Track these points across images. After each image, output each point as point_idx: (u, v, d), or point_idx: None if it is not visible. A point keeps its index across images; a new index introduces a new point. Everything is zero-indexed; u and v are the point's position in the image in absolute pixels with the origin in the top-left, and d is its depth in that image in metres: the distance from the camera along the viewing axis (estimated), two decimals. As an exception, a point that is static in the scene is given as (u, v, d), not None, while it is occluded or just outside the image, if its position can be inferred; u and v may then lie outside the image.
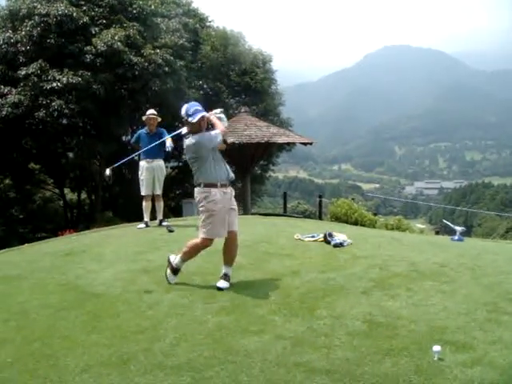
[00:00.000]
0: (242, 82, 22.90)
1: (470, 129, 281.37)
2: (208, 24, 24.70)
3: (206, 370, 3.57)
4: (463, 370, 3.50)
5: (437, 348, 3.67)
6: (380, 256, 6.79)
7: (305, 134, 23.51)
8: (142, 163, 9.97)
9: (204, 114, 5.47)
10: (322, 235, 7.98)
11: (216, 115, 5.65)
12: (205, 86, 22.72)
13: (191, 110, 5.42)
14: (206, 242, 5.56)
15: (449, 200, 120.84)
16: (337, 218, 13.17)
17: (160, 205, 10.20)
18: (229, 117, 20.76)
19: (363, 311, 4.66)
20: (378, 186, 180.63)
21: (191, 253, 5.67)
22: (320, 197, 20.13)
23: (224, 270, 5.60)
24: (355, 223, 12.84)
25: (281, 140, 19.03)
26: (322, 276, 5.83)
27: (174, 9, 21.45)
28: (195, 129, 5.45)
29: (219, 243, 5.65)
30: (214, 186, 5.41)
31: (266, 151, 21.31)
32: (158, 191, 10.06)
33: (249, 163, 20.42)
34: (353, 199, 16.43)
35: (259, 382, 3.42)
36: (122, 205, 23.83)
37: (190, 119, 5.39)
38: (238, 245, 5.72)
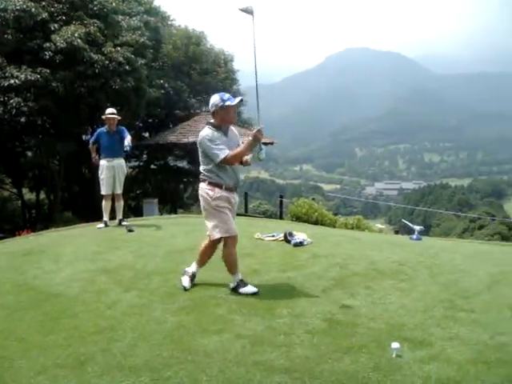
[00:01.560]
0: (204, 81, 22.84)
1: (429, 131, 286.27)
2: (170, 23, 24.58)
3: (165, 370, 3.54)
4: (421, 366, 3.56)
5: (395, 345, 3.72)
6: (340, 255, 6.84)
7: (267, 135, 23.54)
8: (103, 162, 9.83)
9: (240, 97, 5.30)
10: (282, 234, 8.00)
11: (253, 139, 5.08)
12: (166, 85, 22.53)
13: (226, 95, 5.12)
14: (230, 242, 5.33)
15: (408, 200, 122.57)
16: (297, 218, 13.21)
17: (120, 204, 10.09)
18: (189, 116, 20.85)
19: (323, 310, 4.69)
20: (338, 186, 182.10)
21: (232, 262, 5.40)
22: (281, 197, 20.18)
23: (236, 277, 5.40)
24: (316, 223, 12.89)
25: (241, 140, 19.00)
26: (282, 275, 5.85)
27: (135, 7, 21.25)
28: (222, 120, 5.15)
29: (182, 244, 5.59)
30: (219, 186, 5.15)
31: (227, 151, 21.28)
32: (119, 190, 9.94)
33: (210, 163, 20.38)
34: (313, 199, 16.52)
35: (218, 381, 3.40)
36: (81, 205, 23.51)
37: (227, 103, 5.03)
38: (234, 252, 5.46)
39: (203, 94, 24.08)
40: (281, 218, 18.09)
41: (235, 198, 5.31)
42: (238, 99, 5.20)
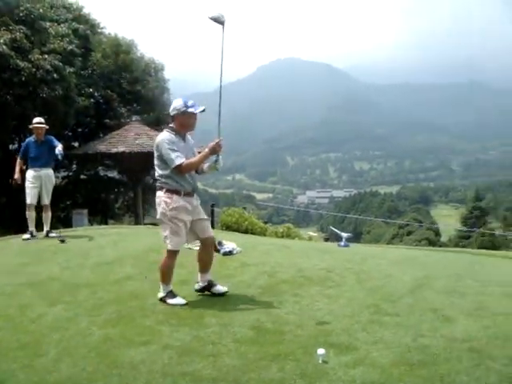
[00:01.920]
0: (134, 90, 22.56)
1: (359, 140, 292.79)
2: (99, 30, 24.15)
3: (89, 385, 3.46)
4: (346, 370, 3.60)
5: (321, 351, 3.76)
6: (269, 263, 6.88)
7: (200, 144, 23.48)
8: (30, 172, 9.60)
9: (203, 107, 5.06)
10: (211, 244, 7.99)
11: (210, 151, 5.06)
12: (95, 94, 22.15)
13: (190, 101, 5.04)
14: (172, 254, 5.24)
15: (339, 208, 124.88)
16: (228, 227, 13.24)
17: (48, 215, 9.86)
18: (120, 126, 20.58)
19: (251, 318, 4.70)
20: (271, 195, 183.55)
21: (169, 272, 5.29)
22: (212, 206, 20.13)
23: (205, 278, 5.45)
24: (246, 231, 12.97)
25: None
26: (211, 284, 5.83)
27: (63, 13, 20.78)
28: (181, 125, 5.10)
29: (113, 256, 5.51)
30: (177, 193, 5.05)
31: (158, 160, 21.11)
32: (46, 201, 9.72)
33: (140, 173, 20.18)
34: (244, 208, 16.60)
35: (144, 393, 3.36)
36: (8, 216, 22.76)
37: (190, 110, 4.99)
38: (212, 252, 5.52)
39: (133, 103, 23.85)
40: (212, 227, 18.03)
41: (194, 201, 5.21)
42: (201, 108, 5.07)
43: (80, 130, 23.64)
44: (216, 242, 7.86)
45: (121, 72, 22.57)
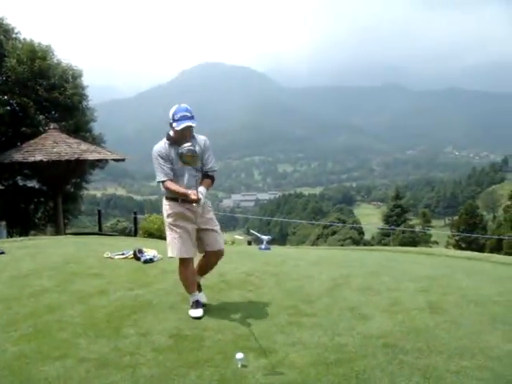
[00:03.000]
0: (51, 97, 21.92)
1: (282, 142, 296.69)
2: (14, 36, 23.38)
3: (2, 404, 3.36)
4: (265, 373, 3.64)
5: (240, 355, 3.77)
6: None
7: (122, 151, 23.18)
8: None
9: (191, 124, 4.79)
10: (131, 252, 7.91)
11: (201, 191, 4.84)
12: (11, 101, 21.43)
13: (178, 114, 4.79)
14: (182, 263, 5.05)
15: (264, 211, 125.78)
16: (150, 234, 13.12)
17: None
18: (37, 134, 19.99)
19: (170, 326, 4.68)
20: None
21: (185, 281, 5.15)
22: (135, 213, 19.91)
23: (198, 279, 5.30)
24: (168, 238, 12.87)
25: (91, 157, 18.55)
26: (130, 293, 5.76)
27: (-24, 18, 20.10)
28: (176, 136, 4.88)
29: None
30: (175, 200, 4.95)
31: (78, 168, 20.65)
32: None
33: (60, 181, 19.67)
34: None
35: (59, 409, 3.29)
36: None
37: (174, 124, 4.81)
38: (216, 263, 5.28)
39: (51, 111, 23.19)
40: (135, 234, 17.87)
41: (197, 209, 4.92)
42: (184, 124, 4.78)
43: (-4, 138, 22.81)
44: (136, 250, 7.81)
45: (37, 78, 21.88)
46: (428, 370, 3.60)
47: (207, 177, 5.05)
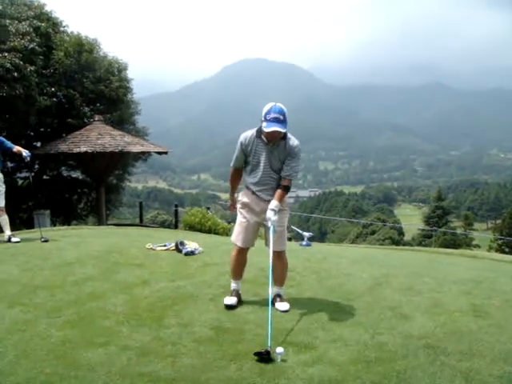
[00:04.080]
0: (97, 89, 22.25)
1: (323, 140, 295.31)
2: (62, 29, 23.70)
3: (47, 388, 3.41)
4: (304, 369, 3.64)
5: (280, 350, 3.78)
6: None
7: (164, 144, 23.39)
8: None
9: (279, 129, 4.59)
10: (173, 244, 7.98)
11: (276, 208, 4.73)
12: (58, 93, 21.79)
13: (271, 115, 4.62)
14: (235, 249, 5.14)
15: (304, 208, 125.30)
16: (191, 227, 13.21)
17: (4, 218, 9.50)
18: (82, 125, 20.33)
19: (211, 318, 4.71)
20: (237, 195, 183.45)
21: (232, 267, 5.25)
22: (176, 206, 20.13)
23: (274, 290, 5.10)
24: (209, 231, 12.96)
25: (135, 149, 18.80)
26: (172, 284, 5.82)
27: (24, 11, 20.35)
28: (265, 134, 4.77)
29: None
30: (247, 189, 5.00)
31: (121, 160, 20.96)
32: (1, 203, 9.38)
33: (103, 173, 19.98)
34: (208, 208, 16.59)
35: (102, 394, 3.34)
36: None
37: (264, 124, 4.65)
38: (286, 264, 5.22)
39: (96, 103, 23.54)
40: (176, 227, 18.04)
41: (264, 205, 4.86)
42: (272, 128, 4.60)
43: (42, 129, 23.23)
44: (178, 242, 7.88)
45: (83, 71, 22.23)
46: (470, 374, 3.55)
47: (281, 187, 4.86)
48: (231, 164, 5.04)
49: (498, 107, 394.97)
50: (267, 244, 4.91)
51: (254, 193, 4.95)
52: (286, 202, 5.07)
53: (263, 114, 4.66)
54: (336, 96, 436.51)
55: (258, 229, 5.10)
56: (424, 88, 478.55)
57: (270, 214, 4.68)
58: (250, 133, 4.91)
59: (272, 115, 4.61)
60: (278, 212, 4.82)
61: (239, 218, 5.07)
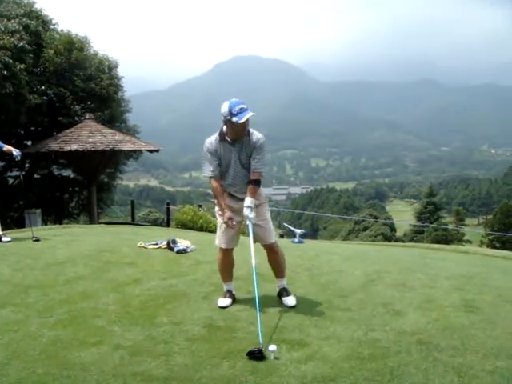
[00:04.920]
0: (87, 87, 22.14)
1: (315, 136, 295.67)
2: (52, 27, 23.58)
3: (39, 388, 3.39)
4: (297, 366, 3.64)
5: (272, 347, 3.78)
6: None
7: (156, 142, 23.33)
8: None
9: (252, 113, 4.64)
10: (165, 242, 7.98)
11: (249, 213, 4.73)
12: (48, 92, 21.68)
13: (236, 108, 4.60)
14: (220, 252, 5.15)
15: (296, 205, 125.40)
16: (183, 225, 13.19)
17: None
18: (73, 124, 20.25)
19: (203, 316, 4.71)
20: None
21: (221, 270, 5.26)
22: (168, 204, 20.08)
23: (278, 284, 5.27)
24: (201, 229, 12.94)
25: (126, 147, 18.73)
26: (164, 283, 5.82)
27: (13, 9, 20.19)
28: (233, 131, 4.76)
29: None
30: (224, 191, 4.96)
31: (112, 159, 20.89)
32: None
33: (94, 171, 19.92)
34: (200, 206, 16.56)
35: (94, 394, 3.32)
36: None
37: (234, 119, 4.59)
38: (281, 255, 5.22)
39: (87, 101, 23.44)
40: (168, 225, 18.01)
41: (239, 204, 4.88)
42: (246, 116, 4.62)
43: (33, 128, 23.11)
44: (170, 240, 7.87)
45: (74, 69, 22.11)
46: (462, 369, 3.55)
47: (252, 181, 4.86)
48: (208, 175, 4.91)
49: (489, 103, 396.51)
50: (256, 240, 4.90)
51: (230, 194, 4.96)
52: (261, 195, 5.07)
53: (227, 112, 4.63)
54: (328, 93, 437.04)
55: (239, 228, 5.08)
56: (415, 85, 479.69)
57: (246, 212, 4.70)
58: (212, 138, 4.92)
59: (238, 107, 4.62)
60: (256, 206, 4.87)
61: (219, 221, 5.06)
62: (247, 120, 4.66)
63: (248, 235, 4.84)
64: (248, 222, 4.76)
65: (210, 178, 4.88)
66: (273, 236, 5.15)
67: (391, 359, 3.73)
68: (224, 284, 5.24)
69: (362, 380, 3.42)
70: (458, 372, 3.51)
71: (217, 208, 5.07)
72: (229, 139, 4.82)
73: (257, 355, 3.79)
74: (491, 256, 8.54)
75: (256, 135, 4.88)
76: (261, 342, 3.92)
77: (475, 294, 5.44)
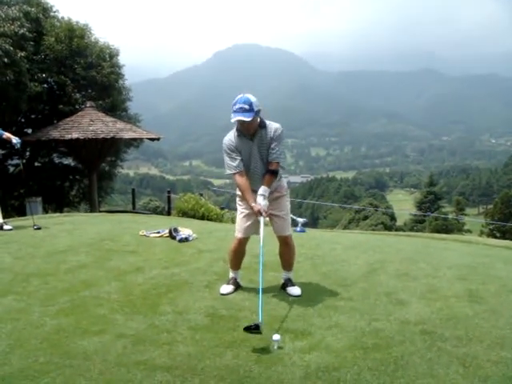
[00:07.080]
0: (88, 75, 22.06)
1: (315, 126, 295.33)
2: (52, 14, 23.45)
3: (41, 377, 3.35)
4: (301, 356, 3.62)
5: (276, 337, 3.76)
6: (224, 249, 6.78)
7: (156, 130, 23.26)
8: None
9: (242, 118, 4.56)
10: (167, 230, 7.96)
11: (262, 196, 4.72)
12: (49, 79, 21.64)
13: (236, 106, 4.59)
14: (235, 240, 5.12)
15: (296, 194, 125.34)
16: (184, 213, 13.17)
17: None
18: (74, 112, 20.18)
19: (206, 305, 4.69)
20: (228, 181, 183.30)
21: (230, 257, 5.25)
22: (169, 192, 20.05)
23: (284, 275, 5.30)
24: (202, 217, 12.92)
25: (127, 135, 18.70)
26: (166, 272, 5.80)
27: (13, -4, 20.21)
28: (242, 125, 4.73)
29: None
30: None
31: (113, 147, 20.85)
32: None
33: (95, 159, 19.88)
34: (201, 194, 16.53)
35: (98, 384, 3.30)
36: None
37: (231, 116, 4.61)
38: (292, 248, 5.21)
39: (88, 89, 23.35)
40: (169, 214, 18.00)
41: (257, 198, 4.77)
42: (236, 118, 4.59)
43: (33, 116, 23.07)
44: (172, 229, 7.85)
45: (75, 57, 22.02)
46: (467, 359, 3.54)
47: (269, 171, 4.84)
48: (231, 172, 4.83)
49: (490, 93, 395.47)
50: (275, 231, 5.05)
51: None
52: (284, 187, 5.12)
53: (232, 108, 4.64)
54: (329, 82, 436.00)
55: (256, 220, 4.99)
56: (416, 74, 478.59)
57: (259, 200, 4.69)
58: (231, 134, 4.88)
59: (237, 106, 4.60)
60: (277, 198, 4.94)
61: (239, 210, 5.08)
62: (253, 120, 4.65)
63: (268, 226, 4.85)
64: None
65: (235, 174, 4.83)
66: (290, 229, 5.18)
67: (395, 349, 3.71)
68: (231, 271, 5.24)
69: (366, 370, 3.41)
70: (462, 362, 3.49)
71: (237, 198, 5.06)
72: (244, 136, 4.80)
73: (252, 330, 3.82)
74: (494, 246, 8.51)
75: (272, 126, 4.87)
76: (260, 319, 3.95)
77: (479, 283, 5.42)
